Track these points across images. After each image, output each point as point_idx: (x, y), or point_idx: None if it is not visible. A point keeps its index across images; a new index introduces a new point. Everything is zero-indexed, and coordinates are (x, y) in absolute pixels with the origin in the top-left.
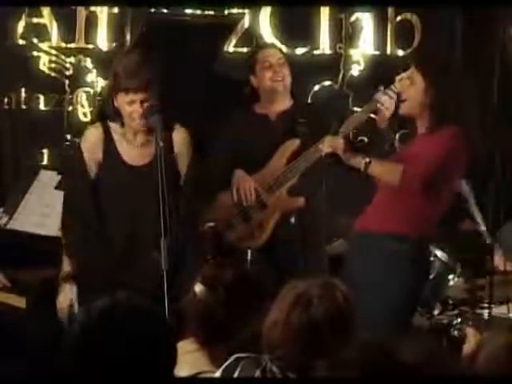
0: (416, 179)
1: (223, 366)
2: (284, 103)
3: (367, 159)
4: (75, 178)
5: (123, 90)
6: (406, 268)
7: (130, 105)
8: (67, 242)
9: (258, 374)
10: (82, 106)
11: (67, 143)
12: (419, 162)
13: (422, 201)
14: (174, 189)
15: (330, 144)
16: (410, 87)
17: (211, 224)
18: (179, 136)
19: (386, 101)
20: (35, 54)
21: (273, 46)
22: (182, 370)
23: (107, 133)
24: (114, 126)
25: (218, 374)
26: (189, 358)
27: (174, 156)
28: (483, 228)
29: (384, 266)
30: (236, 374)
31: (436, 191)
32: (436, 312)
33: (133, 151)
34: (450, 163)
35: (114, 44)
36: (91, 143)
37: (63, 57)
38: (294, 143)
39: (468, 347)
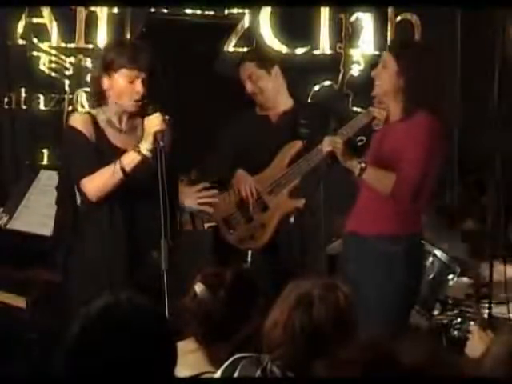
0: (407, 191)
1: (223, 366)
2: (284, 104)
3: (363, 165)
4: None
5: (126, 67)
6: (401, 268)
7: (131, 82)
8: None
9: (258, 373)
10: (82, 105)
11: None
12: (407, 170)
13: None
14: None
15: (329, 143)
16: (383, 70)
17: (211, 224)
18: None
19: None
20: (35, 53)
21: (249, 56)
22: (183, 371)
23: (93, 119)
24: (97, 114)
25: (218, 375)
26: (189, 359)
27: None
28: None
29: (378, 267)
30: (236, 374)
31: (421, 188)
32: (436, 312)
33: (120, 137)
34: (433, 159)
35: None
36: (82, 121)
37: (63, 57)
38: (295, 145)
39: (472, 344)
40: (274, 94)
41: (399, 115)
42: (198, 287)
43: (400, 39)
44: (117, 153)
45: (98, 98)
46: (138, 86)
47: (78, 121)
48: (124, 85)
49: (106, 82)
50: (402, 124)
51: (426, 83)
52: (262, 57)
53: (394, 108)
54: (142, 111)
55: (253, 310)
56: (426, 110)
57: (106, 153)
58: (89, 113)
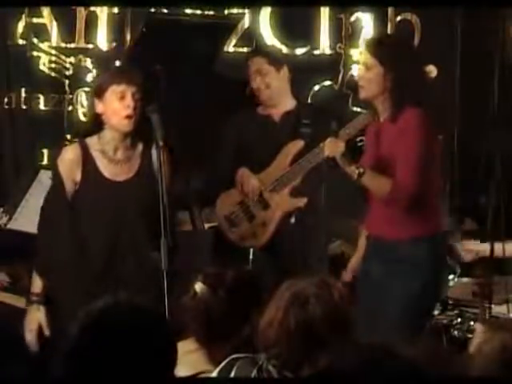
0: (403, 195)
1: (219, 367)
2: (286, 104)
3: (361, 170)
4: (52, 198)
5: (114, 83)
6: (425, 269)
7: (121, 98)
8: (42, 259)
9: (254, 373)
10: (82, 105)
11: (67, 143)
12: (401, 175)
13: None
14: (156, 204)
15: (330, 147)
16: (367, 73)
17: (212, 224)
18: (157, 155)
19: None
20: (35, 53)
21: (261, 52)
22: (182, 370)
23: (85, 150)
24: (91, 143)
25: (214, 374)
26: (189, 358)
27: (155, 172)
28: None
29: (403, 270)
30: (232, 374)
31: (425, 187)
32: (436, 312)
33: (113, 167)
34: (428, 156)
35: (114, 44)
36: (68, 162)
37: (63, 57)
38: (297, 144)
39: (476, 343)
40: (278, 93)
41: (388, 114)
42: (199, 287)
43: (375, 37)
44: (106, 184)
45: (95, 124)
46: (129, 100)
47: (64, 161)
48: (115, 102)
49: (99, 106)
50: (393, 124)
51: (412, 78)
52: (273, 54)
53: (382, 107)
54: (138, 138)
55: (254, 310)
56: (414, 105)
57: (95, 184)
58: (81, 142)
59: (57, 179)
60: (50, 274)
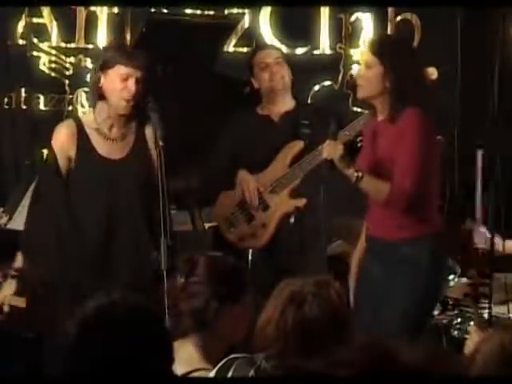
0: (401, 199)
1: (217, 367)
2: (286, 104)
3: (360, 174)
4: (46, 176)
5: (121, 63)
6: (425, 269)
7: (124, 80)
8: (27, 235)
9: (252, 373)
10: (82, 105)
11: None
12: (399, 179)
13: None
14: (150, 183)
15: (328, 151)
16: (367, 71)
17: (212, 224)
18: (151, 133)
19: None
20: (35, 53)
21: (270, 46)
22: (178, 367)
23: (80, 127)
24: (86, 120)
25: (212, 374)
26: (183, 355)
27: (150, 151)
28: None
29: (403, 270)
30: (230, 374)
31: (423, 190)
32: (436, 312)
33: (108, 145)
34: (427, 159)
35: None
36: (63, 139)
37: (63, 57)
38: (297, 145)
39: (470, 345)
40: (286, 88)
41: (387, 114)
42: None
43: (378, 36)
44: (101, 162)
45: (95, 96)
46: (131, 84)
47: (58, 137)
48: (118, 82)
49: (102, 80)
50: (391, 124)
51: (412, 79)
52: (284, 53)
53: (381, 107)
54: (133, 117)
55: (223, 301)
56: (414, 105)
57: (89, 162)
58: (75, 119)
59: (50, 156)
60: (33, 252)
